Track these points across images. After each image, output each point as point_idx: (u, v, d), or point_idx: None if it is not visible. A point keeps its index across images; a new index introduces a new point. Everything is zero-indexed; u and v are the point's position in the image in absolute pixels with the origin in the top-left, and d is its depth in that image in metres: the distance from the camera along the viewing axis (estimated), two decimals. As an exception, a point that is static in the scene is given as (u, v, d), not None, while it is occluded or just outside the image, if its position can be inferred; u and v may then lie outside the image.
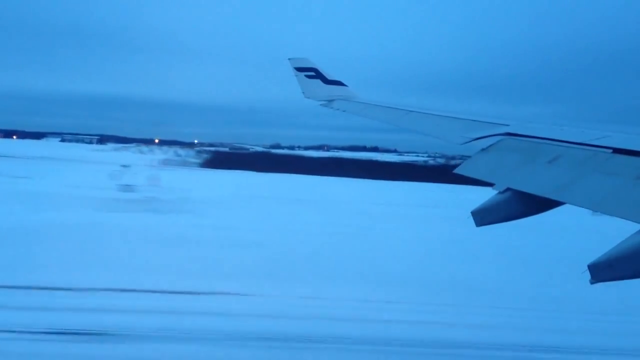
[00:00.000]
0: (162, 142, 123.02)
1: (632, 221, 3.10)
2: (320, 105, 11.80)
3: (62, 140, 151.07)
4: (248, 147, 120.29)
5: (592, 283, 3.12)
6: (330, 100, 11.51)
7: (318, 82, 12.15)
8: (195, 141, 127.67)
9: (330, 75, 12.23)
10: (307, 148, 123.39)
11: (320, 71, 12.27)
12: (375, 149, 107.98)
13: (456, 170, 4.89)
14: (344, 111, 10.35)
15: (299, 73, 12.43)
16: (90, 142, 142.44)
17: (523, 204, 4.04)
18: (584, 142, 4.17)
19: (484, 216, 4.13)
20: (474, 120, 5.92)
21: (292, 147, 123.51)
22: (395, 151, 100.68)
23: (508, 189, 4.11)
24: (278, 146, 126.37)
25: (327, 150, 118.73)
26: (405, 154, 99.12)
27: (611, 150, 3.86)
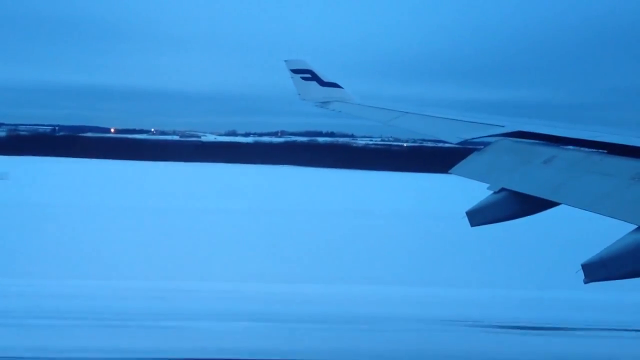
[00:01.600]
0: (117, 131, 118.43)
1: (626, 221, 3.12)
2: (316, 106, 11.83)
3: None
4: (199, 134, 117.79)
5: (585, 282, 3.13)
6: (326, 102, 11.54)
7: (314, 84, 12.16)
8: (153, 129, 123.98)
9: (326, 77, 12.25)
10: (261, 135, 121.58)
11: (316, 73, 12.27)
12: (331, 134, 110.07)
13: (452, 171, 4.90)
14: (339, 112, 10.39)
15: (294, 75, 12.44)
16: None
17: (518, 205, 4.05)
18: (579, 138, 4.19)
19: (478, 216, 4.14)
20: (470, 122, 5.94)
21: (247, 134, 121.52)
22: (352, 136, 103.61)
23: (503, 189, 4.11)
24: (233, 133, 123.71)
25: (280, 136, 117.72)
26: (360, 139, 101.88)
27: (605, 151, 3.88)
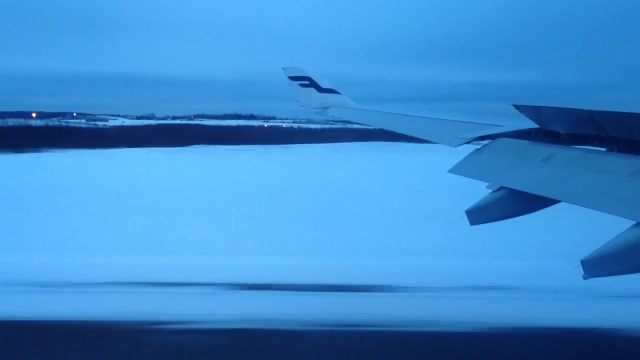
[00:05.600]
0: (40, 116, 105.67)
1: (625, 218, 3.13)
2: (315, 113, 11.91)
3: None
4: (107, 117, 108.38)
5: (585, 278, 3.14)
6: (325, 108, 11.62)
7: (312, 90, 12.25)
8: (74, 113, 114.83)
9: (324, 84, 12.34)
10: (175, 117, 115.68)
11: (314, 80, 12.37)
12: (252, 117, 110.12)
13: (450, 171, 4.92)
14: (339, 118, 10.47)
15: (293, 82, 12.53)
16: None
17: (518, 203, 4.07)
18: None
19: (478, 215, 4.16)
20: (467, 122, 5.98)
21: (165, 117, 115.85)
22: (274, 118, 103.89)
23: (502, 188, 4.14)
24: (152, 116, 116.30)
25: (192, 119, 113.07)
26: (279, 120, 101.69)
27: (604, 148, 3.89)
